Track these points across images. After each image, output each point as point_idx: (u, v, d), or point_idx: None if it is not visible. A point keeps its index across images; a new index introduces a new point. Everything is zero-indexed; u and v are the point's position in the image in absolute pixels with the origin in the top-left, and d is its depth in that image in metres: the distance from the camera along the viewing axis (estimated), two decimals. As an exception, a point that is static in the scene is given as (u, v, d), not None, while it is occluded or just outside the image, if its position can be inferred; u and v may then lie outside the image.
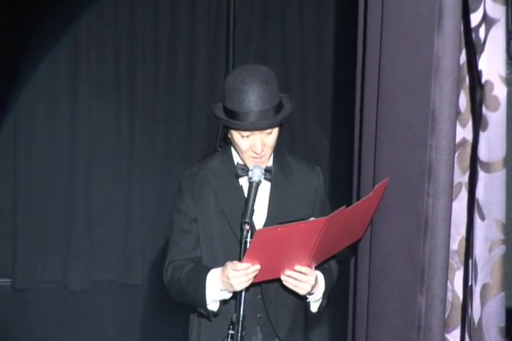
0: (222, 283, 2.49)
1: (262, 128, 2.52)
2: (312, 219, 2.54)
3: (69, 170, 5.94)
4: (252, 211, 2.49)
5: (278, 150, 2.70)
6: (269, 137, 2.56)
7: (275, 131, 2.57)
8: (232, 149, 2.68)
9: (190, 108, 6.18)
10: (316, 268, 2.56)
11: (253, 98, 2.49)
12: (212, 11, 6.15)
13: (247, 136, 2.54)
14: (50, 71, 5.83)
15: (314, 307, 2.67)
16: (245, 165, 2.61)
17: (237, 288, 2.44)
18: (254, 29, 6.26)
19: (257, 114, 2.50)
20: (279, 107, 2.56)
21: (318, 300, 2.64)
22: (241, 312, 2.42)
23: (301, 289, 2.52)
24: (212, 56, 6.17)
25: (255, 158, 2.57)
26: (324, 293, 2.62)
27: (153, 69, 6.09)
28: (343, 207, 2.33)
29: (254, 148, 2.55)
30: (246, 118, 2.50)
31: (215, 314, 2.60)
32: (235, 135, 2.56)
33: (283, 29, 6.31)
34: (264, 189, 2.64)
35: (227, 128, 2.58)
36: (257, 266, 2.40)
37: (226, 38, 5.85)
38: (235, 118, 2.51)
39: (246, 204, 2.49)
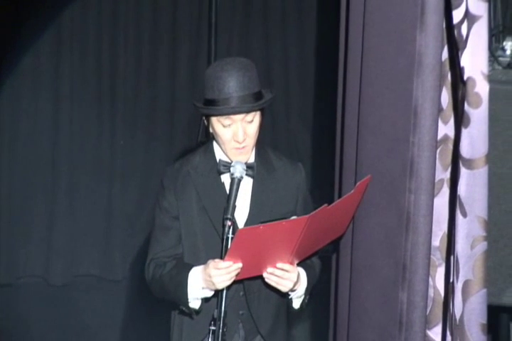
0: (204, 282, 2.48)
1: (243, 111, 2.50)
2: (294, 217, 2.53)
3: (51, 165, 5.90)
4: (234, 207, 2.48)
5: (260, 146, 2.68)
6: (251, 126, 2.55)
7: (256, 119, 2.56)
8: (215, 145, 2.66)
9: (171, 103, 6.14)
10: (299, 264, 2.55)
11: (233, 84, 2.49)
12: (194, 4, 6.12)
13: (229, 125, 2.53)
14: (32, 66, 5.77)
15: (297, 304, 2.66)
16: (227, 161, 2.60)
17: (219, 286, 2.43)
18: (237, 23, 6.23)
19: (238, 99, 2.49)
20: (259, 95, 2.55)
21: (300, 297, 2.63)
22: (222, 308, 2.41)
23: (284, 286, 2.51)
24: (194, 50, 6.13)
25: (238, 148, 2.56)
26: (306, 289, 2.61)
27: (135, 64, 6.05)
28: (325, 205, 2.33)
29: (236, 137, 2.53)
30: (226, 103, 2.49)
31: (196, 312, 2.58)
32: (216, 125, 2.55)
33: (266, 23, 6.28)
34: (247, 185, 2.62)
35: (208, 117, 2.56)
36: (239, 264, 2.40)
37: (208, 32, 5.84)
38: (215, 105, 2.50)
39: (228, 201, 2.48)
